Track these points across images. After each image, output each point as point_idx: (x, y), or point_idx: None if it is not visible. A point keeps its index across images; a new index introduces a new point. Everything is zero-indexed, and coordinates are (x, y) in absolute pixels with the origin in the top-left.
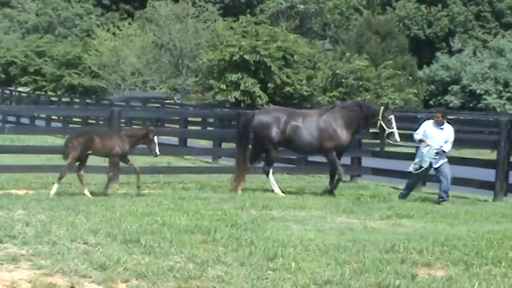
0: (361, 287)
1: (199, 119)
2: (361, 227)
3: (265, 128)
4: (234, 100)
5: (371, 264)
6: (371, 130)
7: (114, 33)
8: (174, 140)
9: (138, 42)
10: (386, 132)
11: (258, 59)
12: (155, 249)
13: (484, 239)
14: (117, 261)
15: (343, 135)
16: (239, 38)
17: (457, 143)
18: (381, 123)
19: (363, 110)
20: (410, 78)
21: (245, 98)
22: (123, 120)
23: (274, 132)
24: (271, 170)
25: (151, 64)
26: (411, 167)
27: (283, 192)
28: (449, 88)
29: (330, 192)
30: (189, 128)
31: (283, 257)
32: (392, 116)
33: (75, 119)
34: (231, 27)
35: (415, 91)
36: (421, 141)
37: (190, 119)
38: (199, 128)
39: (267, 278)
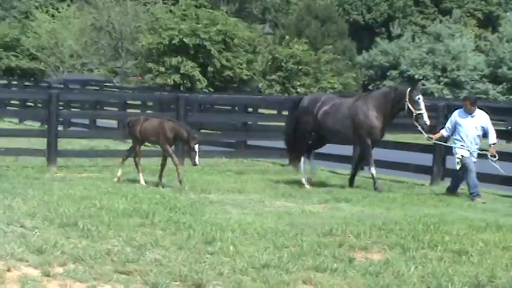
0: (299, 270)
1: (138, 102)
2: (299, 211)
3: (303, 113)
4: (173, 83)
5: (309, 247)
6: None
7: (52, 15)
8: (113, 123)
9: (76, 25)
10: (414, 114)
11: (197, 42)
12: (93, 232)
13: (421, 223)
14: (54, 245)
15: (374, 122)
16: (178, 22)
17: (395, 127)
18: (408, 106)
19: (391, 94)
20: (350, 62)
21: (184, 81)
22: (61, 103)
23: (310, 118)
24: (302, 158)
25: (90, 47)
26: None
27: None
28: (388, 73)
29: (375, 189)
30: (128, 111)
31: (222, 241)
32: (419, 96)
33: (12, 102)
34: (170, 11)
35: (354, 76)
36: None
37: (129, 102)
38: (138, 111)
39: (205, 262)
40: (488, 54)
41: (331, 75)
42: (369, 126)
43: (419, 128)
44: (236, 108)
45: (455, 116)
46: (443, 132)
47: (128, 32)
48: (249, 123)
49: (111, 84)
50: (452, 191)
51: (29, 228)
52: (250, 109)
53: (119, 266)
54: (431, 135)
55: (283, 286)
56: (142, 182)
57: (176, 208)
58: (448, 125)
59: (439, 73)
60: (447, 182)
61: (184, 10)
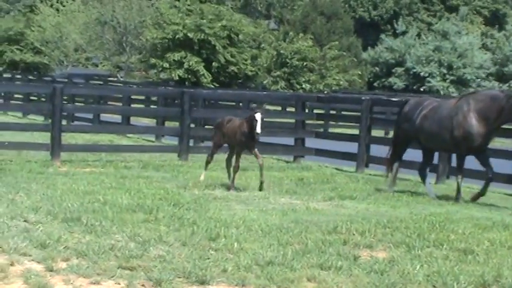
0: (304, 268)
1: (142, 97)
2: (304, 208)
3: (404, 119)
4: (177, 78)
5: (313, 245)
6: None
7: (57, 9)
8: (117, 118)
9: (81, 19)
10: None
11: (202, 37)
12: (96, 228)
13: (426, 222)
14: (58, 240)
15: (474, 126)
16: (183, 17)
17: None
18: None
19: (502, 101)
20: (355, 59)
21: (189, 76)
22: (65, 97)
23: (409, 125)
24: (395, 166)
25: (94, 41)
26: None
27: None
28: (394, 70)
29: (475, 198)
30: (132, 106)
31: (226, 237)
32: None
33: (16, 95)
34: (175, 6)
35: (360, 73)
36: None
37: (133, 97)
38: (142, 106)
39: (209, 258)
40: (495, 52)
41: (336, 71)
42: (467, 130)
43: None
44: (241, 104)
45: None
46: None
47: (132, 27)
48: None
49: (115, 79)
50: None
51: (32, 223)
52: (254, 105)
53: (123, 261)
54: None
55: (288, 283)
56: (202, 177)
57: (180, 204)
58: None
59: (445, 71)
60: (452, 181)
61: (189, 5)
